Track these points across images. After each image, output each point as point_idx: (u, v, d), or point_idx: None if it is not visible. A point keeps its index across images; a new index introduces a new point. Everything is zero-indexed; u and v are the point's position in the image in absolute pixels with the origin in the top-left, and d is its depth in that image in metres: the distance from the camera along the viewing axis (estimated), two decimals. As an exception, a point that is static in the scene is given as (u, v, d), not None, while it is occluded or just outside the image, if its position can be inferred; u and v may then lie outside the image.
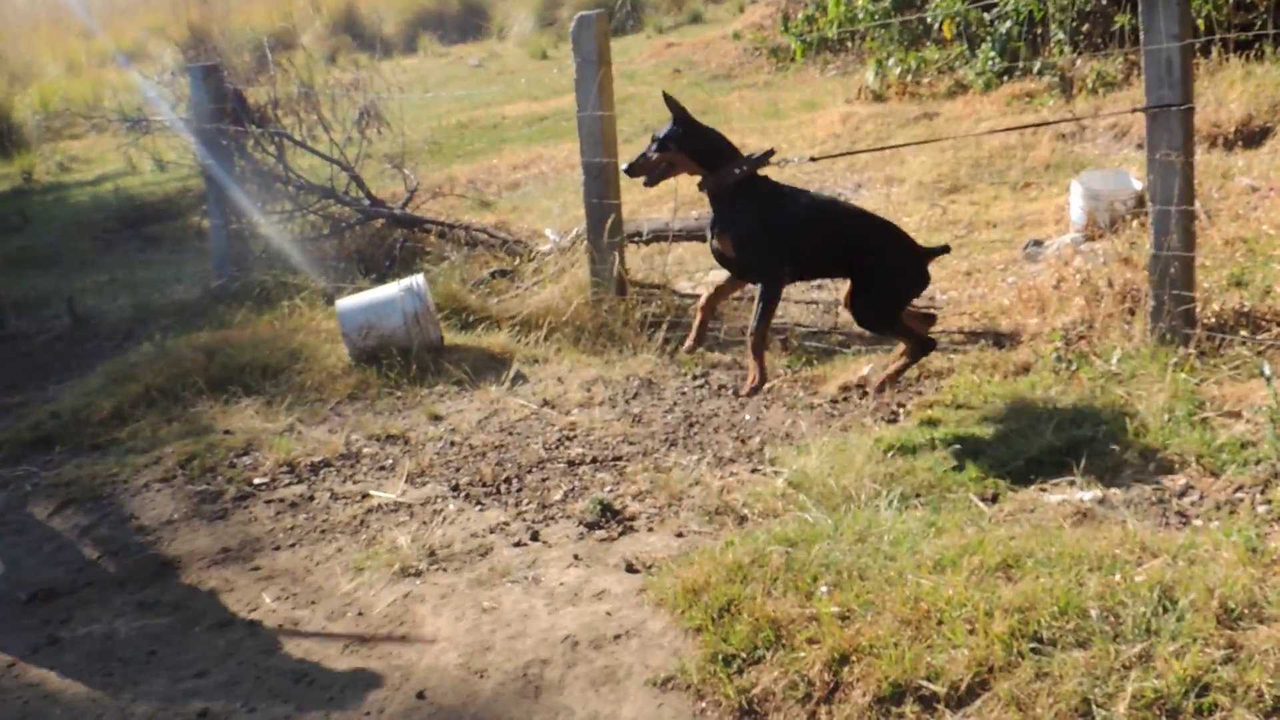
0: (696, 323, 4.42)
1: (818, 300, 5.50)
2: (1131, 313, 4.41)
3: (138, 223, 9.66)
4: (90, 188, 11.41)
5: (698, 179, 4.28)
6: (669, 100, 4.23)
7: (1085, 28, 8.98)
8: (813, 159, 5.25)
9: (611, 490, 3.90)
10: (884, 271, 4.15)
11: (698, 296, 5.53)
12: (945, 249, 4.34)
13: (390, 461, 4.32)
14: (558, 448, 4.31)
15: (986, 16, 9.71)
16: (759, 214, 4.13)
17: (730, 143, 4.29)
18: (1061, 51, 8.98)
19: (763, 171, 4.26)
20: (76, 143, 13.64)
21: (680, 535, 3.52)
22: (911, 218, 6.85)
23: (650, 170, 4.30)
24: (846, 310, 4.34)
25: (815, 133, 9.37)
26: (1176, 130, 4.08)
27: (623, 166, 4.39)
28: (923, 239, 6.23)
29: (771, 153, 4.22)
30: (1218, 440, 3.51)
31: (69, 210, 10.45)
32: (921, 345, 4.29)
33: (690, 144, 4.21)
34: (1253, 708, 2.31)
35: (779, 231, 4.12)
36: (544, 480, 4.05)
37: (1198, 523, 3.16)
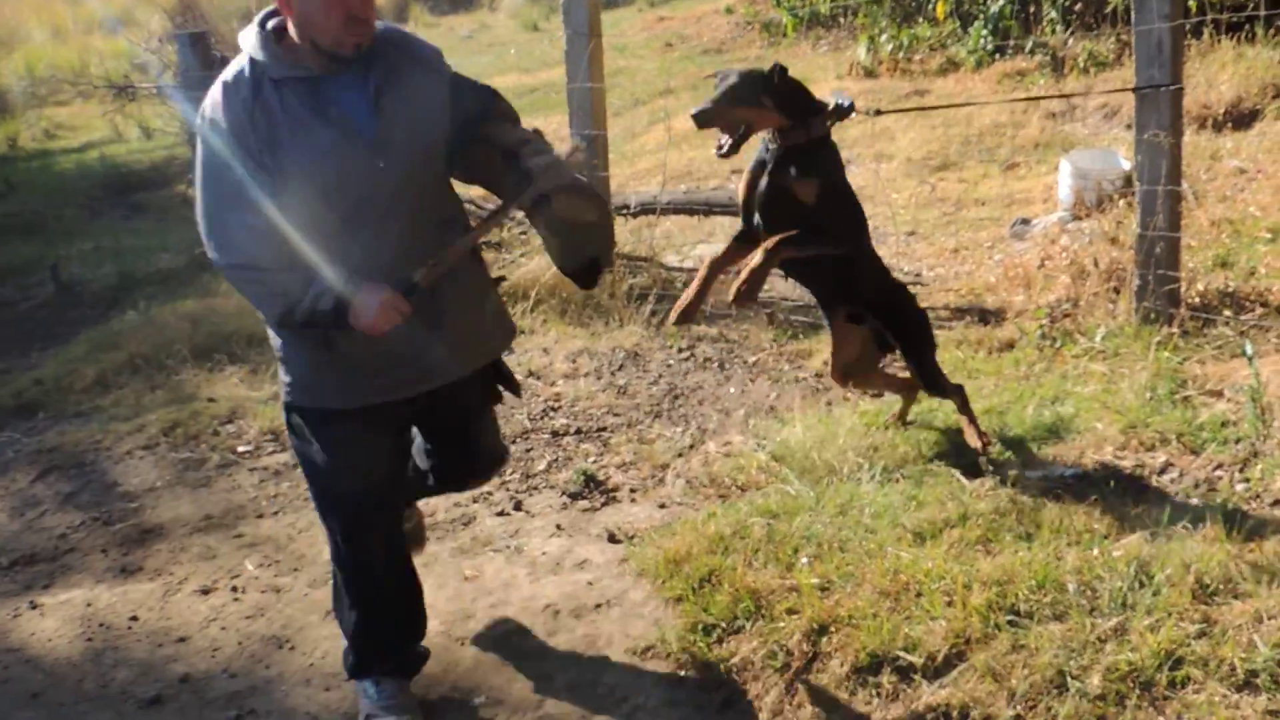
0: (695, 291, 3.25)
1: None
2: (1116, 291, 4.42)
3: (124, 190, 9.58)
4: (76, 155, 11.31)
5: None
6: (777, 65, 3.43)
7: (1077, 7, 8.96)
8: (878, 112, 4.43)
9: (595, 461, 3.91)
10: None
11: (684, 270, 5.54)
12: None
13: (375, 431, 4.32)
14: (542, 418, 4.32)
15: (980, -6, 9.68)
16: (840, 173, 3.44)
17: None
18: (1053, 30, 8.96)
19: None
20: (63, 109, 13.51)
21: (663, 506, 3.54)
22: (901, 194, 6.85)
23: (724, 121, 3.32)
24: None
25: (806, 109, 9.33)
26: (1165, 111, 4.07)
27: (691, 111, 3.32)
28: (910, 216, 6.27)
29: (853, 106, 3.49)
30: (1199, 419, 3.53)
31: (54, 177, 10.36)
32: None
33: (782, 93, 3.39)
34: (1224, 681, 2.34)
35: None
36: (528, 450, 4.06)
37: (1176, 499, 3.18)
